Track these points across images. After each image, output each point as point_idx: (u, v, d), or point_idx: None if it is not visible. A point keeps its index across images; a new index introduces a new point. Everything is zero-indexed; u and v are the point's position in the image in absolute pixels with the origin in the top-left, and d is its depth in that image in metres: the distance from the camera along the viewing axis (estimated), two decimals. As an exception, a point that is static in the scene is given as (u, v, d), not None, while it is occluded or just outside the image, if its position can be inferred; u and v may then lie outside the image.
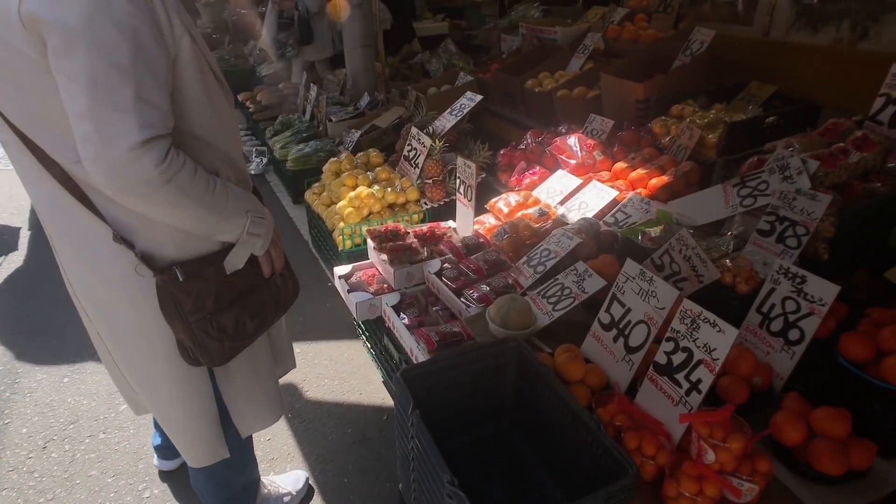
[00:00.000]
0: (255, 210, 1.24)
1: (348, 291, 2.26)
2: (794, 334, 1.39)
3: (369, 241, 2.38)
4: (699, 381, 1.20)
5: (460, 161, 2.33)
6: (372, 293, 2.25)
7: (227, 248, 1.25)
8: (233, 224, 1.19)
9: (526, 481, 1.35)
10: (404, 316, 2.09)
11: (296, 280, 1.51)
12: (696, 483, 1.10)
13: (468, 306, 1.94)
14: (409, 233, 2.38)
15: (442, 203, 2.93)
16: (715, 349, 1.18)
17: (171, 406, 1.40)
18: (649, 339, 1.36)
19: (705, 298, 1.42)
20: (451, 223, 2.54)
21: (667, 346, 1.29)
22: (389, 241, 2.30)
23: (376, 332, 2.27)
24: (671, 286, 1.33)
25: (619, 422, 1.26)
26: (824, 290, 1.35)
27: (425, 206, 2.93)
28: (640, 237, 1.83)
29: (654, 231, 1.82)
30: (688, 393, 1.21)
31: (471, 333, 1.85)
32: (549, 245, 2.02)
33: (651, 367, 1.31)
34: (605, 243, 2.08)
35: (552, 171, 2.75)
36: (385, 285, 2.32)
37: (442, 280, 2.13)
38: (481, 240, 2.27)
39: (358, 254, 2.79)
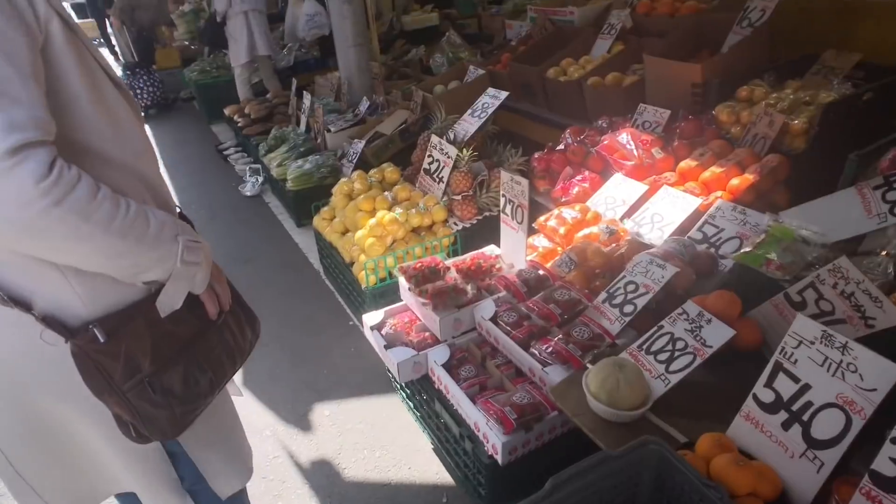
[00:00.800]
0: (188, 233, 0.95)
1: (385, 347, 1.86)
2: None
3: (403, 282, 1.98)
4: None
5: (506, 176, 1.92)
6: (414, 347, 1.84)
7: (155, 292, 0.95)
8: (161, 253, 0.91)
9: None
10: (461, 378, 1.69)
11: (254, 318, 1.21)
12: None
13: (544, 364, 1.54)
14: (449, 267, 1.97)
15: (474, 222, 2.53)
16: None
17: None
18: (850, 432, 0.96)
19: (878, 350, 1.03)
20: (494, 249, 2.13)
21: (893, 449, 0.89)
22: (428, 282, 1.90)
23: (422, 390, 1.87)
24: (887, 360, 0.93)
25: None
26: None
27: (455, 228, 2.52)
28: (763, 265, 1.43)
29: (777, 256, 1.43)
30: (944, 526, 0.82)
31: (554, 404, 1.46)
32: (635, 277, 1.62)
33: (867, 479, 0.91)
34: (703, 269, 1.68)
35: (603, 175, 2.35)
36: (427, 334, 1.92)
37: (500, 327, 1.73)
38: (542, 272, 1.86)
39: (383, 290, 2.39)
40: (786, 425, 1.05)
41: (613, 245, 1.87)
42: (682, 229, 1.89)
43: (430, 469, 1.90)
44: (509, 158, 2.65)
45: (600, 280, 1.78)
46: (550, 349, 1.53)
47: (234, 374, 1.17)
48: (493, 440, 1.48)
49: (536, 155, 2.63)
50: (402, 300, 2.08)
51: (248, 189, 4.30)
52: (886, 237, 1.40)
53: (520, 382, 1.65)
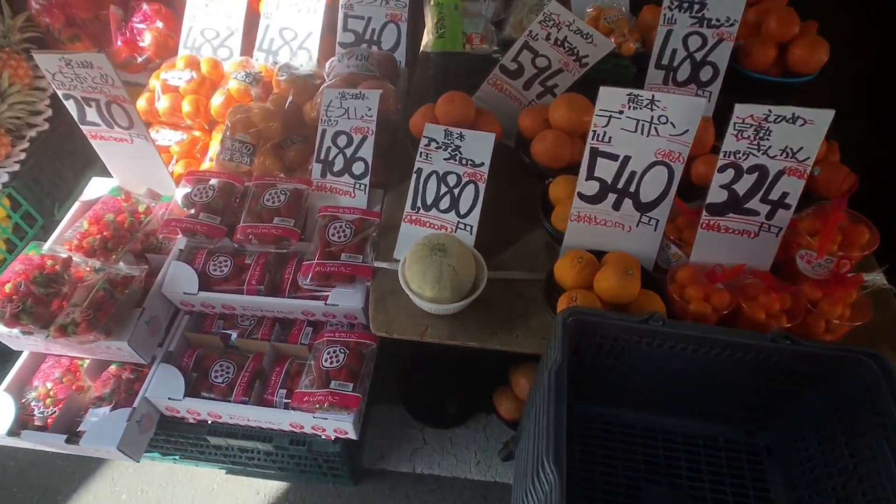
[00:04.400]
0: None
1: (70, 440, 1.08)
2: (706, 73, 1.16)
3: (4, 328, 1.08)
4: (785, 194, 0.90)
5: (47, 60, 1.05)
6: (114, 404, 1.12)
7: None
8: None
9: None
10: (224, 387, 1.14)
11: None
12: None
13: (319, 297, 1.12)
14: (68, 259, 1.14)
15: (22, 157, 1.49)
16: (801, 148, 0.87)
17: None
18: (674, 182, 0.95)
19: (584, 85, 1.06)
20: (101, 184, 1.32)
21: (722, 177, 0.91)
22: (51, 301, 1.07)
23: (175, 435, 1.23)
24: (692, 95, 0.88)
25: (715, 301, 0.92)
26: (729, 7, 1.11)
27: (-7, 183, 1.45)
28: (465, 44, 1.20)
29: (472, 27, 1.21)
30: (770, 216, 0.92)
31: (371, 334, 1.10)
32: (338, 125, 1.20)
33: (704, 213, 0.94)
34: (391, 76, 1.36)
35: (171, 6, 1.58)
36: (113, 368, 1.19)
37: (223, 288, 1.15)
38: (215, 180, 1.23)
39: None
40: (616, 205, 0.99)
41: (274, 94, 1.33)
42: (326, 38, 1.46)
43: (248, 486, 1.40)
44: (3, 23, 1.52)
45: (293, 148, 1.29)
46: (320, 272, 1.09)
47: None
48: (338, 426, 1.09)
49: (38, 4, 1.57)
50: (18, 351, 1.18)
51: None
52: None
53: (295, 335, 1.21)
